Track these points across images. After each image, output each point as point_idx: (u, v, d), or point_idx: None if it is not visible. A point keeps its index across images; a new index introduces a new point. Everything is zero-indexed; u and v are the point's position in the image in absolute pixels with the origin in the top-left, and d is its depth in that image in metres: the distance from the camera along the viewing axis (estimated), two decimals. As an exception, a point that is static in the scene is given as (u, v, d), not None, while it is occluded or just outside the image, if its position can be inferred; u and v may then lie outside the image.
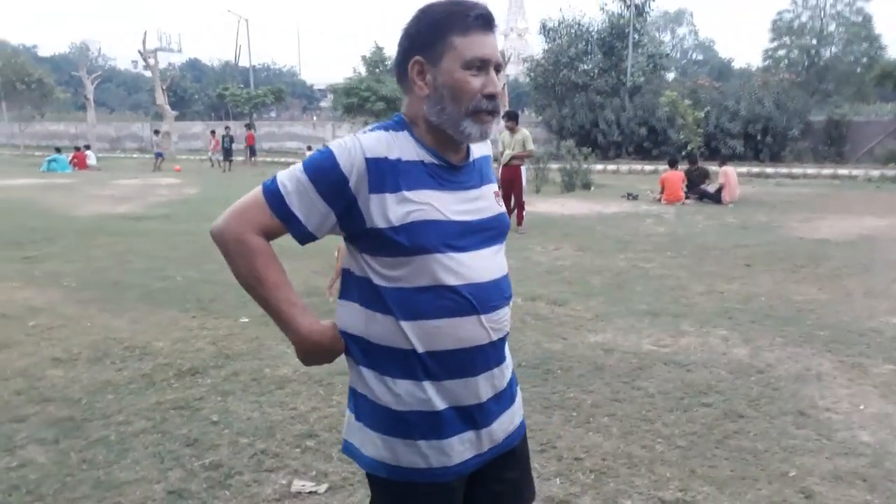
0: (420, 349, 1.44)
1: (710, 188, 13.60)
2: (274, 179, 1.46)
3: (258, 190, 1.47)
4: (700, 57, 58.36)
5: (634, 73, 26.28)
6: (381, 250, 1.43)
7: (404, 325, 1.44)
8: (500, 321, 1.52)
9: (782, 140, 22.27)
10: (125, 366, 4.41)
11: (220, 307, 5.83)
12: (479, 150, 1.61)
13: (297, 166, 1.45)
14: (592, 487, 2.93)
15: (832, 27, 37.94)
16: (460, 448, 1.50)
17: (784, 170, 19.81)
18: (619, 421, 3.58)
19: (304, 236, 1.48)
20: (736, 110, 22.62)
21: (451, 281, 1.42)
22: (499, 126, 1.78)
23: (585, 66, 26.73)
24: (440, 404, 1.47)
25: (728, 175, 13.31)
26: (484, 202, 1.54)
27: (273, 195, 1.44)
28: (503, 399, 1.58)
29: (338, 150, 1.42)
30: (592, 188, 16.30)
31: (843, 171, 18.99)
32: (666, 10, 57.60)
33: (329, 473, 3.05)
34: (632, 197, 14.13)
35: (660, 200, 13.38)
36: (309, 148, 23.20)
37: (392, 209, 1.40)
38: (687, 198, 13.33)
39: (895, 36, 50.66)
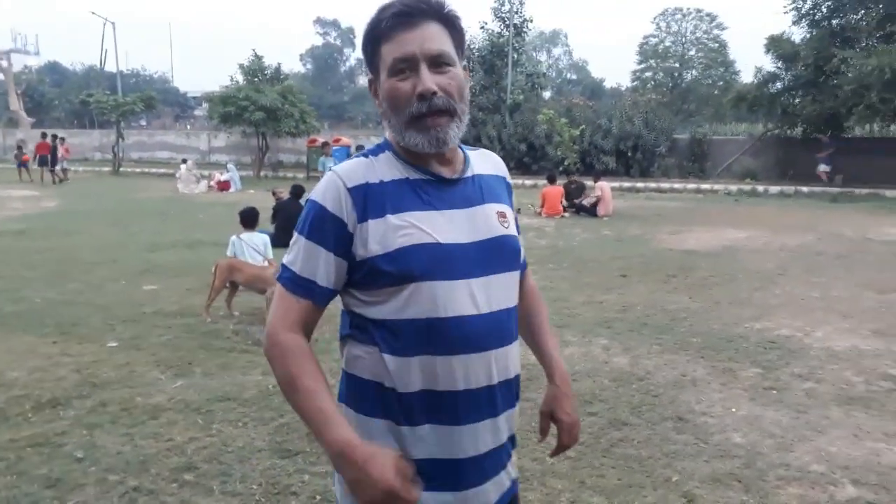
0: (400, 388, 1.29)
1: (586, 202, 14.20)
2: (283, 267, 1.36)
3: (279, 285, 1.36)
4: (574, 76, 61.16)
5: (514, 91, 27.08)
6: (369, 282, 1.30)
7: (387, 358, 1.29)
8: (502, 362, 1.34)
9: (651, 156, 23.63)
10: (-29, 400, 3.94)
11: (84, 331, 5.38)
12: (484, 166, 1.46)
13: (294, 237, 1.35)
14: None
15: (692, 52, 40.94)
16: None
17: (653, 184, 21.04)
18: (511, 435, 3.59)
19: (328, 297, 1.35)
20: (608, 128, 23.77)
21: (440, 312, 1.27)
22: (458, 129, 1.34)
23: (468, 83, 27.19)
24: (417, 453, 1.30)
25: (603, 189, 13.96)
26: (482, 221, 1.36)
27: (287, 278, 1.34)
28: (500, 455, 1.38)
29: (319, 196, 1.32)
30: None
31: (705, 186, 20.43)
32: (542, 31, 60.04)
33: (210, 509, 2.84)
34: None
35: (540, 214, 13.81)
36: (184, 161, 21.99)
37: (377, 236, 1.27)
38: (565, 211, 13.86)
39: (747, 62, 55.76)
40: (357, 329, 1.35)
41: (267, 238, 7.07)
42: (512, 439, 1.44)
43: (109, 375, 4.41)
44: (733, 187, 19.97)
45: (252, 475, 3.14)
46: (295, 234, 1.35)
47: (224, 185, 20.25)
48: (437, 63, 1.29)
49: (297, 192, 10.65)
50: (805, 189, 18.93)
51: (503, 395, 1.36)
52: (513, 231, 1.42)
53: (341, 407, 1.36)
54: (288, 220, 10.00)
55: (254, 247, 6.72)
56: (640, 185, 20.83)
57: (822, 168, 20.86)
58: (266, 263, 6.51)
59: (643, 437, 3.58)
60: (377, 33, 1.31)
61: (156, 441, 3.47)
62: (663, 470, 3.23)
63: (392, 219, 1.28)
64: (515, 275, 1.42)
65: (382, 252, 1.27)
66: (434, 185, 1.34)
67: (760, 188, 19.58)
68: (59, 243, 9.82)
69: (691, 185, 20.68)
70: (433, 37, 1.29)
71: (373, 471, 1.17)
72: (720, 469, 3.23)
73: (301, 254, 1.33)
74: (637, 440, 3.54)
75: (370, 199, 1.29)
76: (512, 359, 1.37)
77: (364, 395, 1.34)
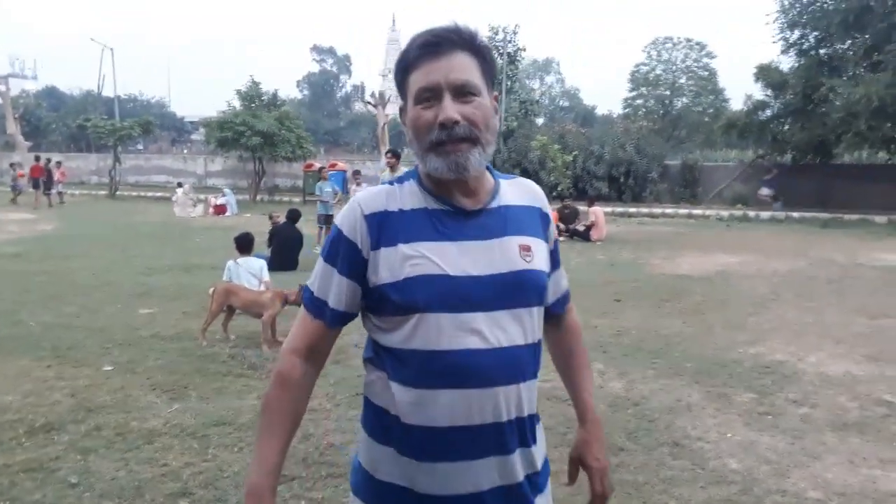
0: (403, 418, 1.29)
1: (580, 226, 14.29)
2: (305, 286, 1.43)
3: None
4: (566, 104, 61.71)
5: (508, 118, 27.36)
6: (380, 309, 1.32)
7: (394, 386, 1.30)
8: (512, 400, 1.29)
9: (643, 182, 23.85)
10: (-35, 425, 3.92)
11: (79, 355, 5.36)
12: (517, 197, 1.42)
13: (318, 260, 1.40)
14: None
15: (683, 80, 41.43)
16: None
17: (645, 209, 21.20)
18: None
19: (338, 318, 1.37)
20: (601, 154, 24.00)
21: (443, 345, 1.25)
22: (480, 157, 1.32)
23: (462, 109, 27.34)
24: (420, 488, 1.30)
25: (597, 214, 14.06)
26: (500, 255, 1.32)
27: (307, 298, 1.40)
28: (513, 493, 1.33)
29: (340, 221, 1.36)
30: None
31: (697, 211, 20.59)
32: (535, 59, 60.76)
33: (206, 535, 2.83)
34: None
35: (535, 239, 13.88)
36: (179, 185, 22.02)
37: (388, 265, 1.29)
38: (559, 235, 13.91)
39: (736, 90, 56.58)
40: (374, 353, 1.37)
41: (263, 263, 7.08)
42: (535, 477, 1.38)
43: (104, 399, 4.39)
44: (725, 213, 20.14)
45: (248, 500, 3.12)
46: (319, 256, 1.40)
47: (220, 209, 20.29)
48: (462, 92, 1.28)
49: (294, 216, 10.67)
50: (796, 215, 19.08)
51: (514, 432, 1.31)
52: (537, 265, 1.37)
53: (359, 430, 1.40)
54: (284, 244, 10.03)
55: (250, 271, 6.74)
56: (632, 210, 20.97)
57: (765, 192, 21.27)
58: (263, 287, 6.52)
59: (639, 462, 3.59)
60: (406, 62, 1.33)
61: (151, 466, 3.46)
62: (660, 496, 3.23)
63: (403, 248, 1.29)
64: (535, 311, 1.36)
65: (391, 281, 1.28)
66: (452, 216, 1.33)
67: (751, 214, 19.75)
68: (56, 266, 9.79)
69: (683, 211, 20.85)
70: (459, 67, 1.29)
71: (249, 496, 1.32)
72: (717, 495, 3.24)
73: (318, 275, 1.38)
74: (633, 466, 3.54)
75: (385, 228, 1.31)
76: (526, 397, 1.33)
77: (375, 421, 1.37)
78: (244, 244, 7.07)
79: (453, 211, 1.33)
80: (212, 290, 5.98)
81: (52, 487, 3.21)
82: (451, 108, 1.27)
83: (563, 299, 1.57)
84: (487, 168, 1.40)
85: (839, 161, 22.19)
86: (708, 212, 20.45)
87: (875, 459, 3.64)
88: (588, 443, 1.53)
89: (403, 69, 1.34)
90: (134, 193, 28.08)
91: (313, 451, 3.63)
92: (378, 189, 1.38)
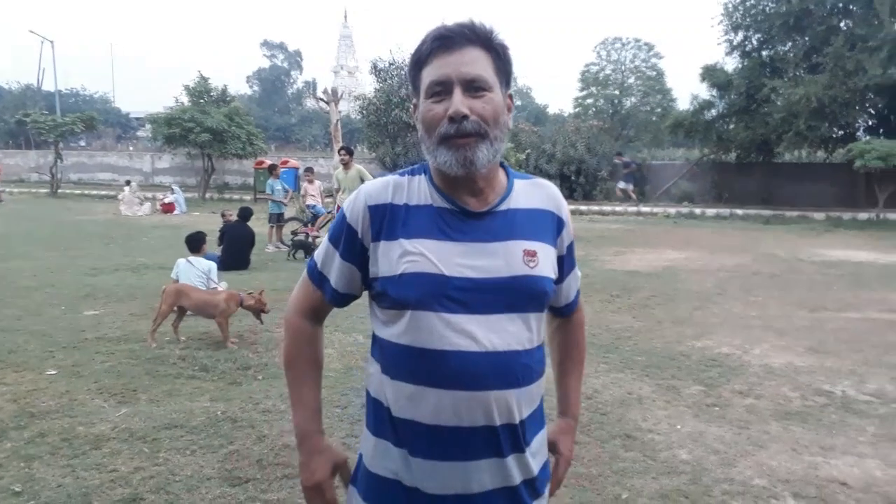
0: (394, 411, 1.31)
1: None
2: (313, 255, 1.48)
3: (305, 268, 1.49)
4: (519, 102, 62.39)
5: (462, 115, 27.54)
6: (379, 300, 1.36)
7: (385, 379, 1.33)
8: (503, 404, 1.27)
9: (593, 180, 24.22)
10: None
11: (21, 359, 5.18)
12: (530, 199, 1.39)
13: (325, 236, 1.46)
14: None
15: (631, 80, 42.16)
16: None
17: (595, 207, 21.54)
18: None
19: (338, 299, 1.43)
20: (552, 153, 24.27)
21: (434, 344, 1.25)
22: (489, 152, 1.29)
23: (415, 106, 27.32)
24: (410, 482, 1.31)
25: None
26: (502, 258, 1.30)
27: (311, 267, 1.46)
28: (508, 496, 1.32)
29: (346, 206, 1.39)
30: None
31: (645, 209, 21.02)
32: (488, 57, 60.88)
33: (158, 540, 2.77)
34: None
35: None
36: (128, 182, 21.39)
37: (387, 258, 1.31)
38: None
39: (683, 90, 57.96)
40: (373, 346, 1.40)
41: (213, 265, 6.97)
42: (533, 482, 1.37)
43: (49, 405, 4.25)
44: (672, 210, 20.61)
45: (202, 504, 3.07)
46: (325, 235, 1.46)
47: (168, 208, 19.82)
48: (473, 87, 1.28)
49: (246, 214, 10.52)
50: (740, 212, 19.65)
51: (508, 437, 1.29)
52: (542, 272, 1.34)
53: (362, 422, 1.44)
54: (235, 242, 9.87)
55: (199, 272, 6.62)
56: (583, 207, 21.27)
57: (622, 185, 22.12)
58: (214, 287, 6.42)
59: (593, 455, 3.65)
60: (419, 56, 1.33)
61: (99, 472, 3.36)
62: (613, 488, 3.30)
63: (404, 243, 1.30)
64: (535, 316, 1.35)
65: (388, 274, 1.30)
66: (457, 216, 1.32)
67: (697, 211, 20.27)
68: (-8, 268, 9.42)
69: (632, 209, 21.24)
70: (472, 61, 1.28)
71: (312, 464, 1.40)
72: (668, 485, 3.32)
73: (323, 252, 1.43)
74: (587, 458, 3.60)
75: (388, 221, 1.33)
76: (521, 403, 1.30)
77: (371, 412, 1.39)
78: (194, 243, 6.94)
79: (459, 211, 1.33)
80: (163, 292, 5.84)
81: (-6, 497, 3.10)
82: (460, 102, 1.26)
83: (574, 302, 1.58)
84: (503, 167, 1.40)
85: (780, 160, 22.91)
86: (656, 209, 20.91)
87: (816, 447, 3.79)
88: (565, 431, 1.60)
89: (417, 64, 1.34)
90: (77, 191, 27.19)
91: (268, 453, 3.59)
92: (385, 180, 1.38)
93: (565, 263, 1.47)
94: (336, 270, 1.39)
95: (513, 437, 1.30)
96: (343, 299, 1.43)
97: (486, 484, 1.29)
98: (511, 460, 1.31)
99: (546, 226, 1.40)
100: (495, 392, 1.26)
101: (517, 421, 1.30)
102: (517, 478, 1.33)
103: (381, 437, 1.34)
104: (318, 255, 1.44)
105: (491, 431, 1.27)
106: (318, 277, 1.43)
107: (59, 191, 26.25)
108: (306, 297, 1.46)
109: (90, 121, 28.08)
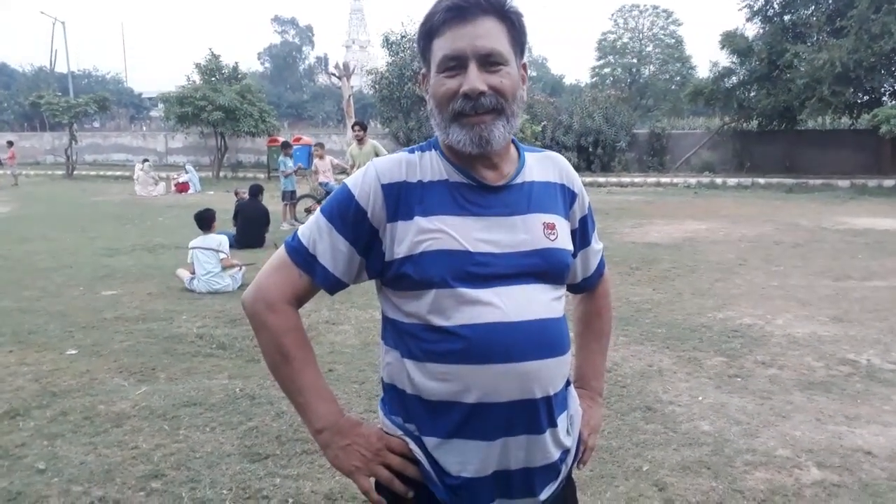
0: (425, 396, 1.25)
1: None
2: (294, 234, 1.33)
3: (281, 248, 1.34)
4: (534, 73, 61.72)
5: (476, 88, 27.25)
6: (396, 284, 1.27)
7: (409, 364, 1.26)
8: (534, 375, 1.23)
9: (612, 151, 23.92)
10: (-77, 414, 3.80)
11: (42, 339, 5.22)
12: (543, 173, 1.36)
13: (316, 213, 1.33)
14: None
15: (650, 48, 41.52)
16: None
17: (614, 179, 21.32)
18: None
19: (332, 284, 1.31)
20: (569, 124, 23.99)
21: (462, 319, 1.20)
22: (505, 129, 1.25)
23: (429, 80, 27.05)
24: (448, 467, 1.26)
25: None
26: (522, 233, 1.26)
27: (295, 248, 1.31)
28: (547, 471, 1.31)
29: (352, 182, 1.29)
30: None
31: (665, 180, 20.77)
32: (501, 29, 60.13)
33: (179, 517, 2.78)
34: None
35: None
36: (145, 160, 21.38)
37: (405, 238, 1.23)
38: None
39: (702, 58, 56.87)
40: (389, 333, 1.33)
41: (224, 238, 7.02)
42: (565, 456, 1.36)
43: (70, 384, 4.29)
44: (692, 180, 20.35)
45: (221, 480, 3.08)
46: (317, 211, 1.33)
47: (183, 187, 19.90)
48: (489, 62, 1.22)
49: (255, 191, 10.53)
50: (762, 181, 19.36)
51: (547, 409, 1.27)
52: (562, 244, 1.32)
53: (378, 412, 1.37)
54: (250, 220, 9.88)
55: (208, 247, 6.67)
56: (601, 179, 21.06)
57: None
58: (224, 258, 6.51)
59: (613, 427, 3.62)
60: (430, 27, 1.25)
61: (120, 449, 3.38)
62: (634, 459, 3.26)
63: (422, 221, 1.23)
64: (556, 289, 1.32)
65: (407, 254, 1.23)
66: (475, 191, 1.27)
67: (718, 180, 19.99)
68: (13, 250, 9.51)
69: (651, 179, 21.01)
70: (487, 33, 1.21)
71: (364, 431, 1.30)
72: (689, 457, 3.28)
73: (313, 229, 1.31)
74: (607, 431, 3.56)
75: (403, 199, 1.25)
76: (551, 373, 1.27)
77: (392, 401, 1.33)
78: (203, 221, 6.99)
79: (476, 185, 1.27)
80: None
81: (20, 474, 3.13)
82: (476, 79, 1.20)
83: (597, 273, 1.54)
84: (514, 142, 1.34)
85: (803, 127, 22.48)
86: (676, 179, 20.66)
87: (841, 416, 3.72)
88: (591, 406, 1.53)
89: (427, 34, 1.27)
90: (92, 173, 27.35)
91: (287, 429, 3.59)
92: (397, 157, 1.31)
93: (577, 237, 1.41)
94: (333, 250, 1.28)
95: (548, 410, 1.27)
96: (338, 286, 1.32)
97: (521, 461, 1.26)
98: (548, 435, 1.28)
99: (558, 199, 1.36)
100: (531, 363, 1.23)
101: (552, 393, 1.27)
102: (556, 453, 1.31)
103: (408, 425, 1.29)
104: (304, 234, 1.32)
105: (528, 405, 1.24)
106: (305, 259, 1.30)
107: (75, 172, 26.40)
108: (288, 282, 1.31)
109: (103, 101, 28.14)
